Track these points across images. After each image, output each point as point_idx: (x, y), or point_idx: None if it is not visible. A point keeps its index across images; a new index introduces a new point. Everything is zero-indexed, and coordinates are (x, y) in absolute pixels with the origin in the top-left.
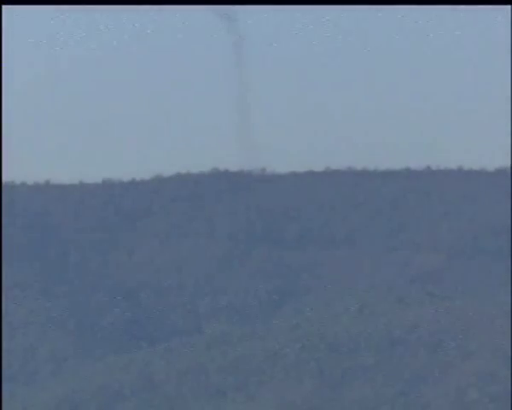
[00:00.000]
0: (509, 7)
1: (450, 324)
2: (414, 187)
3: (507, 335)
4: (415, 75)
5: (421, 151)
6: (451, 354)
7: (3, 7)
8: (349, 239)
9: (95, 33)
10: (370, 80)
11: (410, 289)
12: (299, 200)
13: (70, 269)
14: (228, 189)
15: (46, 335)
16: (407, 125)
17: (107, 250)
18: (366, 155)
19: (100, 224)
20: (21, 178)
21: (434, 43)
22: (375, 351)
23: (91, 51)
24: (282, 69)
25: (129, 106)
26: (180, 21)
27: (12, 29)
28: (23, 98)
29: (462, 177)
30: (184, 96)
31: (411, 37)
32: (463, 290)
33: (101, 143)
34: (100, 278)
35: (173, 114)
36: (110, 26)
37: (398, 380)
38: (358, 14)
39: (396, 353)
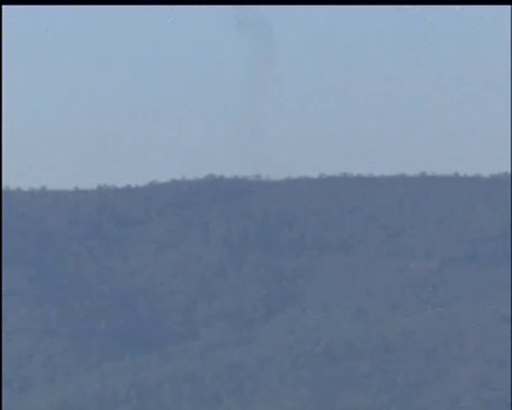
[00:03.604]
0: (508, 7)
1: (444, 330)
2: (409, 193)
3: (501, 341)
4: (409, 81)
5: (416, 157)
6: (446, 360)
7: (3, 7)
8: (344, 245)
9: (94, 35)
10: (365, 86)
11: (405, 295)
12: (294, 206)
13: (65, 275)
14: (223, 195)
15: (41, 341)
16: (402, 131)
17: (102, 257)
18: (361, 161)
19: (95, 230)
20: (16, 184)
21: (432, 45)
22: (370, 357)
23: (89, 54)
24: (276, 76)
25: (124, 112)
26: (178, 23)
27: (12, 29)
28: (20, 102)
29: (458, 183)
30: (179, 103)
31: (408, 39)
32: (458, 297)
33: (96, 150)
34: (95, 284)
35: (168, 121)
36: (110, 27)
37: (393, 386)
38: (353, 17)
39: (391, 359)
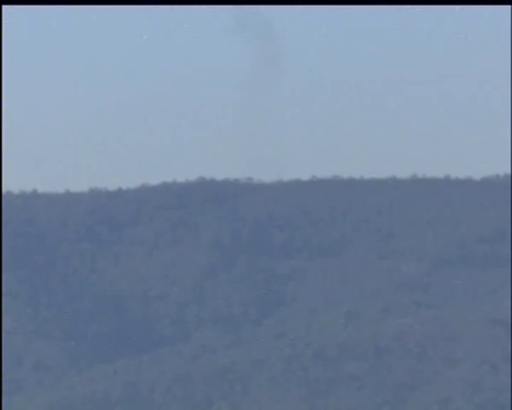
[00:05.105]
0: (508, 7)
1: (435, 332)
2: (400, 196)
3: (492, 343)
4: (403, 82)
5: (407, 160)
6: (437, 362)
7: (3, 7)
8: (335, 248)
9: (93, 35)
10: (357, 88)
11: (397, 297)
12: (285, 209)
13: (56, 278)
14: (214, 198)
15: (32, 344)
16: (393, 133)
17: (93, 259)
18: (352, 163)
19: (86, 233)
20: (8, 187)
21: (431, 45)
22: (361, 360)
23: (87, 55)
24: (268, 78)
25: (116, 114)
26: (177, 23)
27: (12, 29)
28: (15, 103)
29: (449, 186)
30: (170, 106)
31: (405, 40)
32: (449, 299)
33: (87, 152)
34: (86, 286)
35: (159, 124)
36: (109, 28)
37: (384, 389)
38: (348, 16)
39: (382, 361)
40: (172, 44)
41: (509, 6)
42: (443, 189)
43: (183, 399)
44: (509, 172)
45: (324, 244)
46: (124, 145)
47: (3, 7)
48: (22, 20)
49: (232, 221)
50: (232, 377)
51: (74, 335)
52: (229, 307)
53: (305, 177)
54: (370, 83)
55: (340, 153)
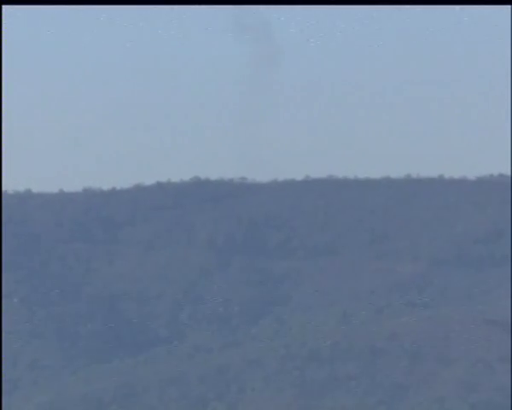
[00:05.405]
0: (508, 7)
1: (430, 333)
2: (395, 196)
3: (487, 343)
4: (401, 83)
5: (401, 160)
6: (432, 362)
7: (3, 7)
8: (330, 248)
9: (93, 35)
10: (352, 89)
11: (391, 298)
12: (279, 208)
13: (51, 278)
14: (209, 197)
15: (27, 344)
16: (387, 134)
17: (88, 259)
18: (346, 163)
19: (81, 233)
20: (2, 187)
21: (429, 45)
22: (356, 360)
23: (87, 55)
24: (263, 79)
25: (110, 115)
26: (177, 23)
27: (12, 29)
28: (13, 103)
29: (443, 185)
30: (165, 106)
31: (404, 40)
32: (444, 299)
33: (81, 152)
34: (81, 286)
35: (154, 124)
36: (109, 28)
37: (378, 389)
38: (348, 16)
39: (377, 361)
40: (172, 44)
41: (509, 6)
42: (437, 188)
43: (178, 399)
44: (504, 171)
45: (319, 244)
46: (118, 145)
47: (3, 7)
48: (22, 20)
49: (227, 221)
50: (227, 377)
51: (69, 335)
52: (225, 307)
53: (300, 177)
54: (366, 83)
55: (334, 153)
